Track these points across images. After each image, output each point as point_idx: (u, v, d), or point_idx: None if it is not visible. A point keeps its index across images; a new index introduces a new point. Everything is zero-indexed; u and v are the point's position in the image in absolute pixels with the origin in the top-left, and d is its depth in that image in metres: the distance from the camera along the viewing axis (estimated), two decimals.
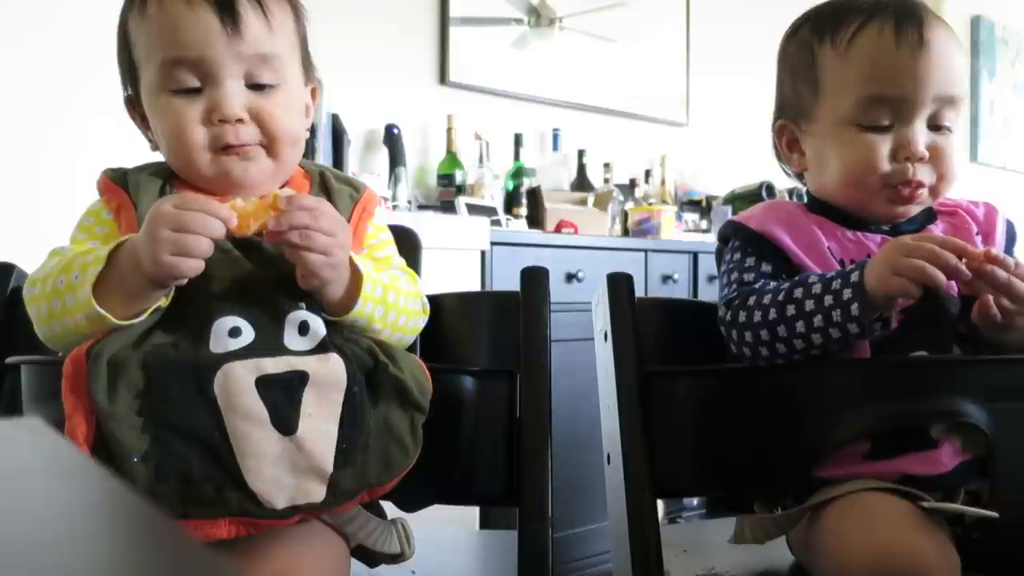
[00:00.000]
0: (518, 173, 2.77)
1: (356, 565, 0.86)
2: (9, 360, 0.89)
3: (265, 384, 0.75)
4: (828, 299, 0.85)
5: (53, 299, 0.78)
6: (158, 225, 0.75)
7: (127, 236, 0.79)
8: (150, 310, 0.78)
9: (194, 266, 0.75)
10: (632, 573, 0.87)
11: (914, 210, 0.96)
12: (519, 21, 2.97)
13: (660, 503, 0.93)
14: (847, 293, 0.84)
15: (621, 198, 2.95)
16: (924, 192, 0.94)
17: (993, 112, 4.47)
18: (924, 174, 0.93)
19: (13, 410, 0.87)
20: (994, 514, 0.81)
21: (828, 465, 0.86)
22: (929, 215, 0.98)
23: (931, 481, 0.84)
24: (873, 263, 0.84)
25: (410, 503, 0.89)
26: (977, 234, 0.98)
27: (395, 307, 0.85)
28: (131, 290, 0.77)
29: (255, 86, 0.86)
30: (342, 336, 0.81)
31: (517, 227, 2.60)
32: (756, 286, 0.92)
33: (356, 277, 0.82)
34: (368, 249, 0.91)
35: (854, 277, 0.85)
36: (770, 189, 3.06)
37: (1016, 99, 4.65)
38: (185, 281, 0.77)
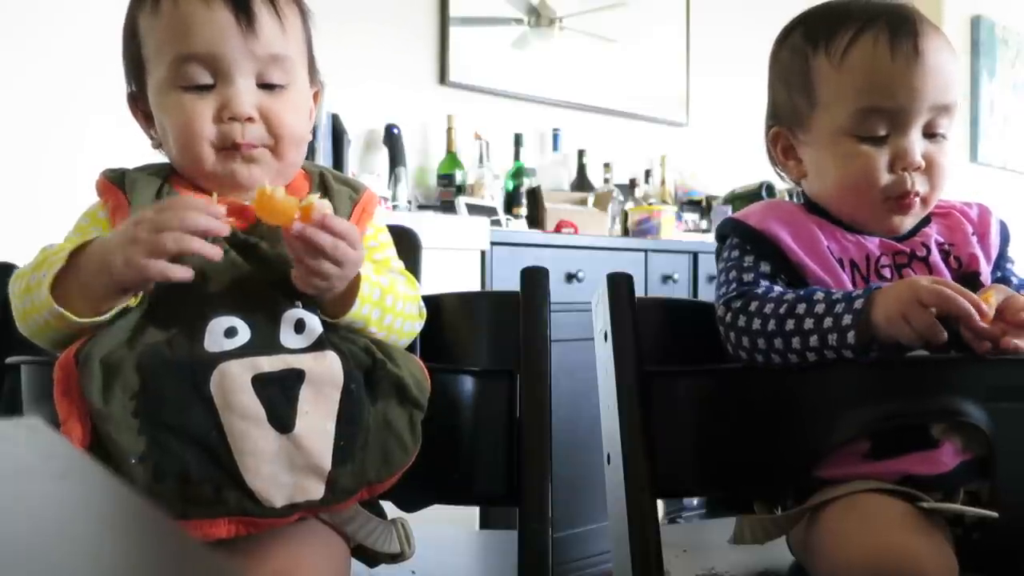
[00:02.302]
0: (518, 173, 2.77)
1: (356, 565, 0.86)
2: (9, 360, 0.89)
3: (261, 382, 0.75)
4: (828, 321, 0.85)
5: (25, 296, 0.78)
6: (137, 228, 0.74)
7: (94, 236, 0.79)
8: (115, 310, 0.77)
9: (164, 268, 0.74)
10: (632, 573, 0.87)
11: (909, 222, 0.96)
12: (519, 21, 2.97)
13: (660, 503, 0.93)
14: (847, 319, 0.84)
15: (621, 198, 2.95)
16: (918, 201, 0.95)
17: (993, 112, 4.46)
18: (919, 184, 0.94)
19: (13, 410, 0.87)
20: (994, 514, 0.81)
21: (828, 465, 0.86)
22: (924, 218, 0.99)
23: (932, 481, 0.84)
24: (885, 299, 0.83)
25: (410, 503, 0.89)
26: (972, 234, 0.98)
27: (392, 310, 0.85)
28: (93, 291, 0.76)
29: (266, 86, 0.87)
30: (339, 334, 0.82)
31: (517, 227, 2.60)
32: (759, 291, 0.92)
33: (355, 279, 0.82)
34: (367, 251, 0.91)
35: (858, 305, 0.84)
36: (770, 189, 3.05)
37: (1016, 99, 4.64)
38: (187, 276, 0.76)
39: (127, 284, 0.76)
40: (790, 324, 0.87)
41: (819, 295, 0.88)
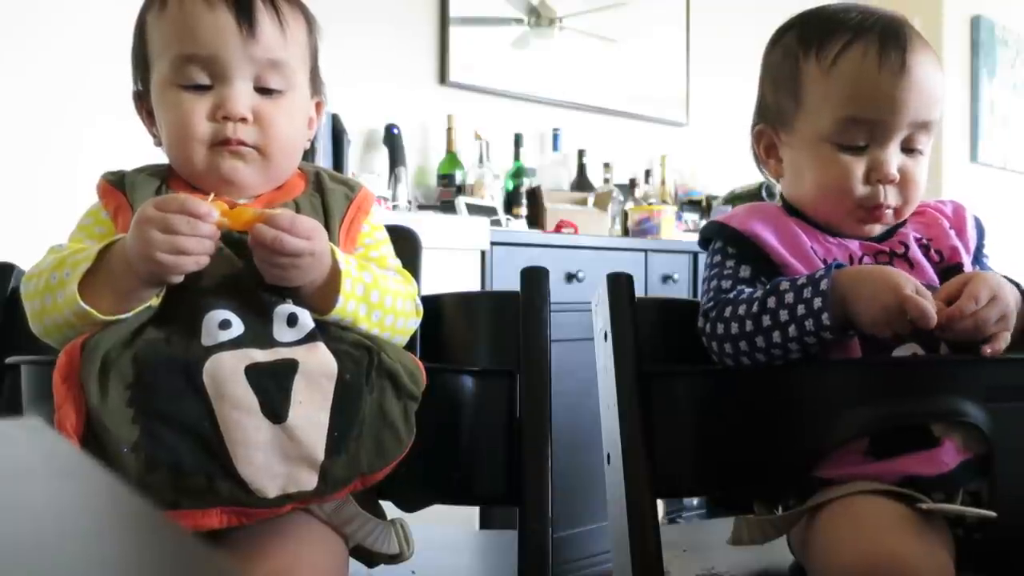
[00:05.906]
0: (518, 173, 2.77)
1: (355, 565, 0.86)
2: (9, 360, 0.89)
3: (255, 373, 0.76)
4: (800, 308, 0.86)
5: (45, 295, 0.79)
6: (145, 227, 0.76)
7: (119, 236, 0.80)
8: (138, 308, 0.79)
9: (193, 262, 0.77)
10: (632, 573, 0.87)
11: (878, 230, 0.97)
12: (519, 21, 2.97)
13: (660, 503, 0.93)
14: (818, 302, 0.85)
15: (621, 198, 2.95)
16: (890, 213, 0.96)
17: (993, 112, 4.46)
18: (892, 197, 0.95)
19: (13, 410, 0.87)
20: (992, 513, 0.81)
21: (829, 465, 0.86)
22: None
23: (933, 481, 0.84)
24: (867, 304, 0.83)
25: (410, 503, 0.89)
26: (950, 228, 0.99)
27: (380, 306, 0.85)
28: (122, 289, 0.78)
29: (263, 90, 0.88)
30: (331, 330, 0.82)
31: (517, 227, 2.60)
32: (731, 295, 0.93)
33: (336, 275, 0.82)
34: (363, 248, 0.92)
35: (824, 285, 0.85)
36: (769, 189, 3.05)
37: (1016, 99, 4.64)
38: (181, 279, 0.78)
39: (154, 280, 0.78)
40: (766, 320, 0.87)
41: (784, 284, 0.88)
